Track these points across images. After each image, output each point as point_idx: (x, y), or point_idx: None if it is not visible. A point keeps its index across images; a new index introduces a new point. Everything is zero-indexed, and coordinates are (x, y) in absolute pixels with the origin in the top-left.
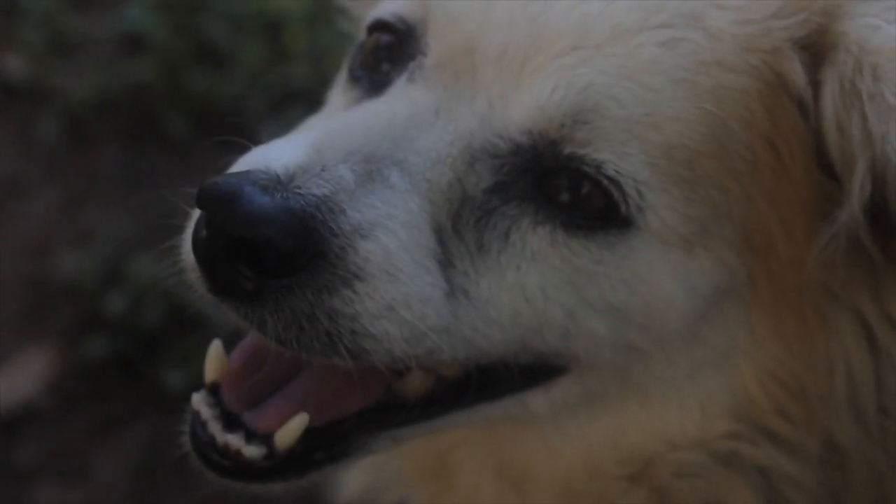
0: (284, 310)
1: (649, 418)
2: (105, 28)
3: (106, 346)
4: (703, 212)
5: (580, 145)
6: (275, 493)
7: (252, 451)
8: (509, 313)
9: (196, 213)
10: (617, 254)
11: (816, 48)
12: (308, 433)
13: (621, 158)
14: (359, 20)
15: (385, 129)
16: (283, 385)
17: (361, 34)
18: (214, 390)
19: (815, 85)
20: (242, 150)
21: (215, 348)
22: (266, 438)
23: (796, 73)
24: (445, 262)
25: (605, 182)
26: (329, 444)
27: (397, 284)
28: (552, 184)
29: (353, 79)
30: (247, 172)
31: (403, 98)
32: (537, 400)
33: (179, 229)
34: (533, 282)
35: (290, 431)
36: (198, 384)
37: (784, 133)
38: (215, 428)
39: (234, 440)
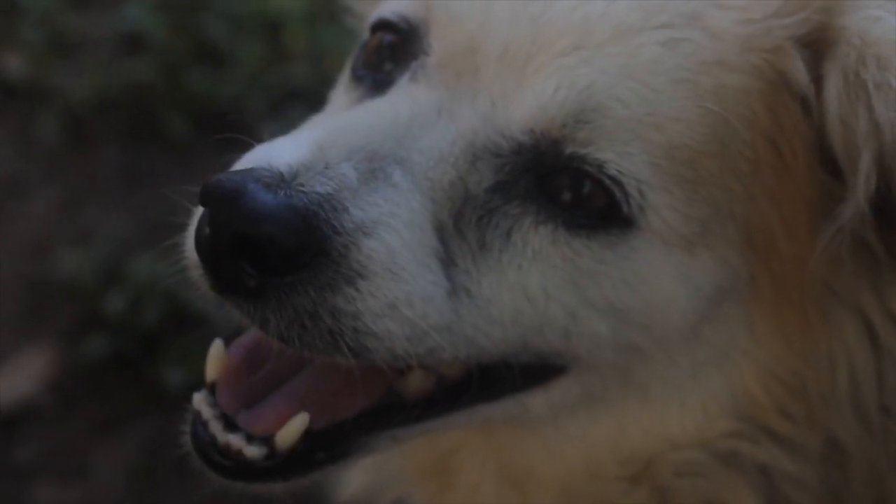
0: (287, 308)
1: (650, 418)
2: (105, 28)
3: (105, 346)
4: (705, 211)
5: (582, 145)
6: (276, 493)
7: (253, 451)
8: (511, 312)
9: (199, 211)
10: (618, 253)
11: (817, 45)
12: (309, 433)
13: (623, 158)
14: (363, 18)
15: (388, 127)
16: (281, 385)
17: (364, 33)
18: (215, 390)
19: (818, 81)
20: (243, 149)
21: (216, 348)
22: (267, 438)
23: (798, 71)
24: (447, 261)
25: (607, 181)
26: (330, 443)
27: (400, 283)
28: (554, 183)
29: (356, 78)
30: (250, 170)
31: (406, 97)
32: (537, 400)
33: (180, 229)
34: (534, 281)
35: (290, 431)
36: (198, 383)
37: (786, 131)
38: (216, 428)
39: (235, 440)
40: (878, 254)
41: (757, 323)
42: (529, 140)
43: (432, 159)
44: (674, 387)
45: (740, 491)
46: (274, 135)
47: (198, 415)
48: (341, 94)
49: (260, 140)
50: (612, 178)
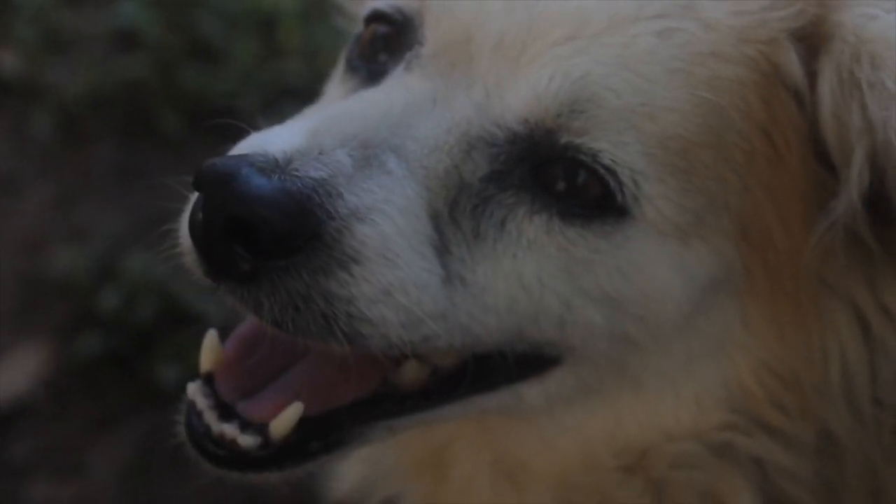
0: (281, 291)
1: (645, 409)
2: (99, 24)
3: (100, 343)
4: (700, 202)
5: (576, 134)
6: (270, 482)
7: (247, 440)
8: (505, 301)
9: (193, 197)
10: (613, 243)
11: (812, 39)
12: (303, 423)
13: (618, 148)
14: (353, 17)
15: (382, 116)
16: (278, 375)
17: (359, 25)
18: (210, 380)
19: (812, 75)
20: (237, 143)
21: (210, 338)
22: (261, 428)
23: (792, 63)
24: (442, 249)
25: (602, 171)
26: (324, 433)
27: (394, 269)
28: (548, 173)
29: (351, 69)
30: (245, 155)
31: (400, 87)
32: (532, 391)
33: (174, 223)
34: (529, 270)
35: (284, 421)
36: (192, 380)
37: (780, 123)
38: (210, 418)
39: (230, 430)
40: (872, 247)
41: (751, 315)
42: (524, 130)
43: (427, 147)
44: (668, 378)
45: (735, 483)
46: None
47: (192, 405)
48: (336, 86)
49: None
50: (607, 168)
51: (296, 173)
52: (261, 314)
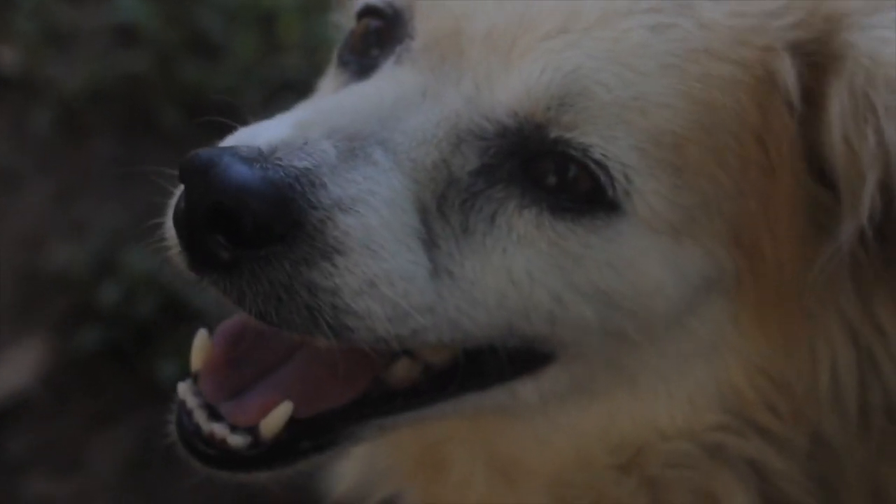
0: (262, 281)
1: (639, 407)
2: (98, 19)
3: (99, 338)
4: (692, 201)
5: (567, 128)
6: (261, 482)
7: (237, 440)
8: (495, 296)
9: (179, 189)
10: (604, 237)
11: (816, 56)
12: (293, 422)
13: (608, 142)
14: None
15: (371, 109)
16: (267, 374)
17: (351, 20)
18: (199, 379)
19: (813, 92)
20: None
21: (201, 338)
22: (251, 427)
23: (787, 73)
24: (429, 243)
25: (592, 165)
26: (315, 433)
27: (378, 260)
28: (539, 167)
29: (342, 63)
30: (229, 146)
31: (390, 80)
32: (526, 389)
33: (162, 219)
34: (519, 265)
35: (274, 420)
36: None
37: (774, 131)
38: (200, 417)
39: (219, 429)
40: (871, 267)
41: (742, 318)
42: (514, 123)
43: (415, 140)
44: (661, 378)
45: (730, 483)
46: None
47: (182, 404)
48: (328, 81)
49: None
50: (597, 162)
51: (279, 162)
52: (244, 305)
